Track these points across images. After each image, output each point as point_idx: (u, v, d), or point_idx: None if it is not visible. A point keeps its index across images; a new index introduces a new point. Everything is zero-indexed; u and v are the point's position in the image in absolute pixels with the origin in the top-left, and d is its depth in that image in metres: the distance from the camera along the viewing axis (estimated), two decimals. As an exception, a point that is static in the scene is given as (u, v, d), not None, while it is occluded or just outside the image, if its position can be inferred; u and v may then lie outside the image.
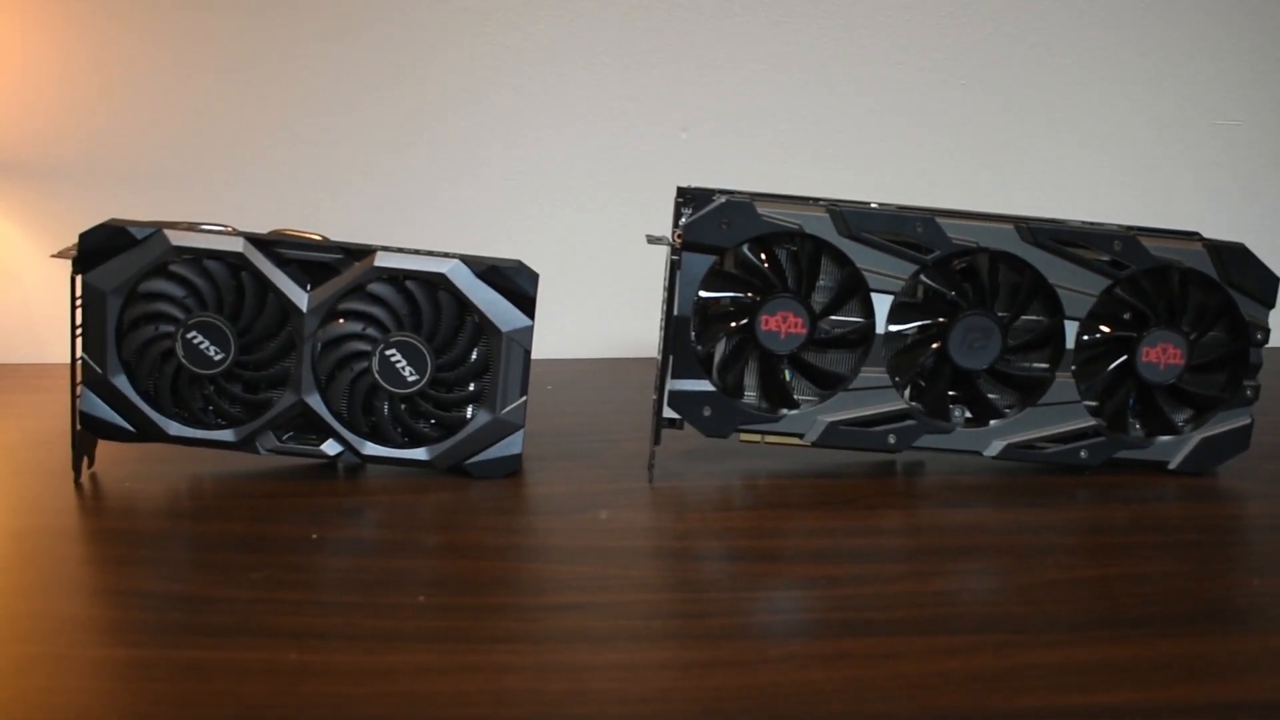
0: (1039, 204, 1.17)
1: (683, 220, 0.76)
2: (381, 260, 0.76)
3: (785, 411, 0.79)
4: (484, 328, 0.78)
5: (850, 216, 0.76)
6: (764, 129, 1.29)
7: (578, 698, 0.49)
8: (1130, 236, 0.78)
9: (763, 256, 0.78)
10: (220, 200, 1.24)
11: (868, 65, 1.29)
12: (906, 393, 0.81)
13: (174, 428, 0.78)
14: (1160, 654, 0.54)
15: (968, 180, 1.32)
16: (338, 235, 0.79)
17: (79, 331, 0.77)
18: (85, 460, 0.79)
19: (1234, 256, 0.79)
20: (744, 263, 0.79)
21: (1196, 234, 0.80)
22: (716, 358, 0.80)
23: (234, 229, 0.77)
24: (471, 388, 0.80)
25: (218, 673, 0.51)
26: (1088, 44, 1.31)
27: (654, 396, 0.79)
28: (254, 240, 0.76)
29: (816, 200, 0.78)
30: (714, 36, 1.26)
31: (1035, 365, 0.81)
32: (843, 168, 1.30)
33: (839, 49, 1.28)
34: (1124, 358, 0.81)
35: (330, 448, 0.79)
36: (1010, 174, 1.33)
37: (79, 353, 0.77)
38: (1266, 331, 0.81)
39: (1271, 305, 0.80)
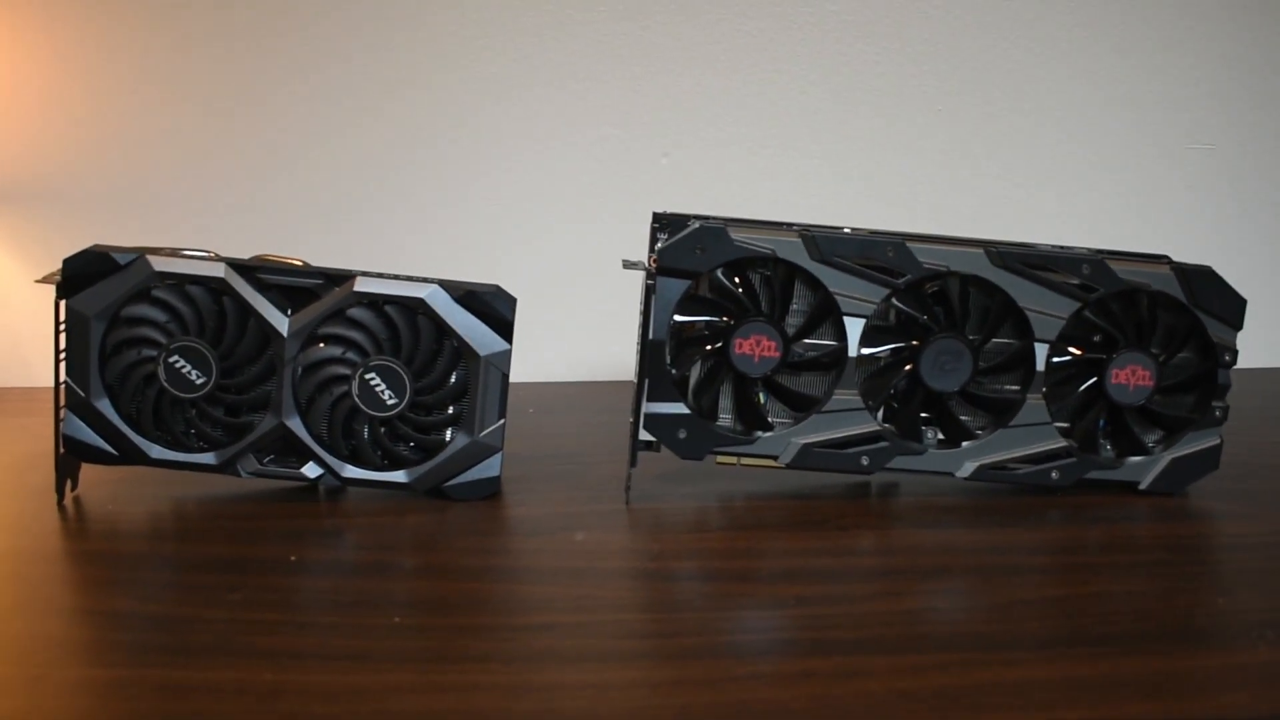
0: (1009, 227, 1.19)
1: (658, 245, 0.77)
2: (361, 285, 0.77)
3: (759, 434, 0.80)
4: (462, 351, 0.79)
5: (822, 241, 0.78)
6: (744, 154, 1.30)
7: (547, 716, 0.50)
8: (1099, 260, 0.80)
9: (736, 281, 0.79)
10: (203, 225, 1.25)
11: (846, 92, 1.30)
12: (879, 415, 0.81)
13: (156, 451, 0.79)
14: (1122, 672, 0.55)
15: (941, 204, 1.33)
16: (318, 260, 0.80)
17: (62, 356, 0.77)
18: (68, 483, 0.80)
19: (1201, 280, 0.80)
20: (718, 287, 0.80)
21: (1165, 257, 0.81)
22: (692, 381, 0.81)
23: (216, 254, 0.78)
24: (450, 411, 0.80)
25: (194, 692, 0.52)
26: (1061, 69, 1.33)
27: (630, 419, 0.80)
28: (235, 265, 0.77)
29: (790, 225, 0.79)
30: (696, 63, 1.27)
31: (1006, 387, 0.82)
32: (820, 192, 1.31)
33: (817, 77, 1.29)
34: (1094, 379, 0.82)
35: (311, 470, 0.80)
36: (983, 198, 1.34)
37: (62, 377, 0.78)
38: (1234, 353, 0.82)
39: (1239, 327, 0.81)
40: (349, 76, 1.25)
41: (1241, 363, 0.83)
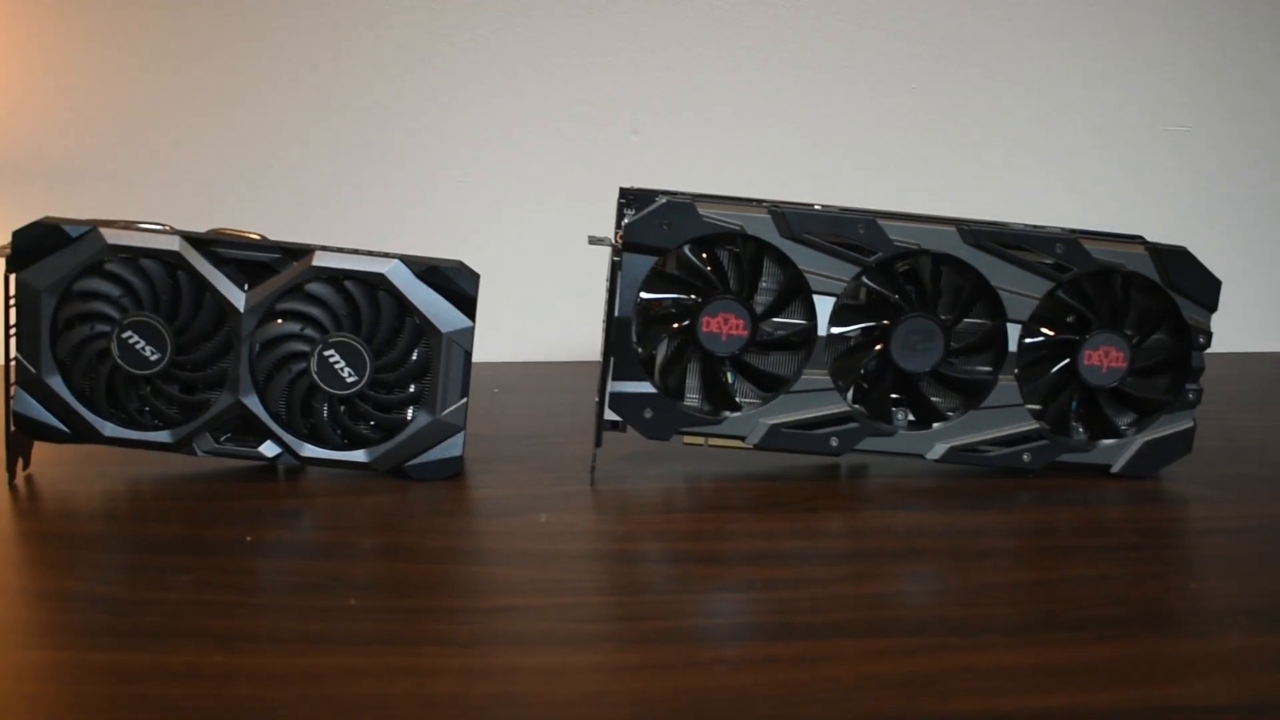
0: (985, 206, 1.18)
1: (624, 221, 0.76)
2: (320, 260, 0.75)
3: (727, 414, 0.79)
4: (424, 329, 0.77)
5: (792, 218, 0.76)
6: (715, 132, 1.29)
7: (504, 701, 0.49)
8: (1072, 239, 0.79)
9: (704, 257, 0.78)
10: (158, 199, 1.23)
11: (814, 70, 1.29)
12: (849, 395, 0.80)
13: (110, 429, 0.77)
14: (1094, 657, 0.54)
15: (913, 182, 1.32)
16: (276, 234, 0.78)
17: (13, 331, 0.75)
18: (20, 462, 0.78)
19: (1176, 260, 0.80)
20: (685, 264, 0.78)
21: (1139, 237, 0.80)
22: (658, 359, 0.80)
23: (171, 228, 0.76)
24: (411, 389, 0.79)
25: (142, 676, 0.50)
26: (1035, 49, 1.32)
27: (596, 399, 0.78)
28: (191, 239, 0.75)
29: (759, 201, 0.78)
30: (666, 38, 1.26)
31: (978, 368, 0.81)
32: (789, 171, 1.30)
33: (788, 54, 1.28)
34: (1066, 361, 0.81)
35: (269, 449, 0.78)
36: (956, 177, 1.33)
37: (13, 353, 0.76)
38: (1209, 335, 0.81)
39: (1213, 309, 0.81)
40: (311, 50, 1.23)
41: (1216, 346, 0.82)
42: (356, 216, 1.27)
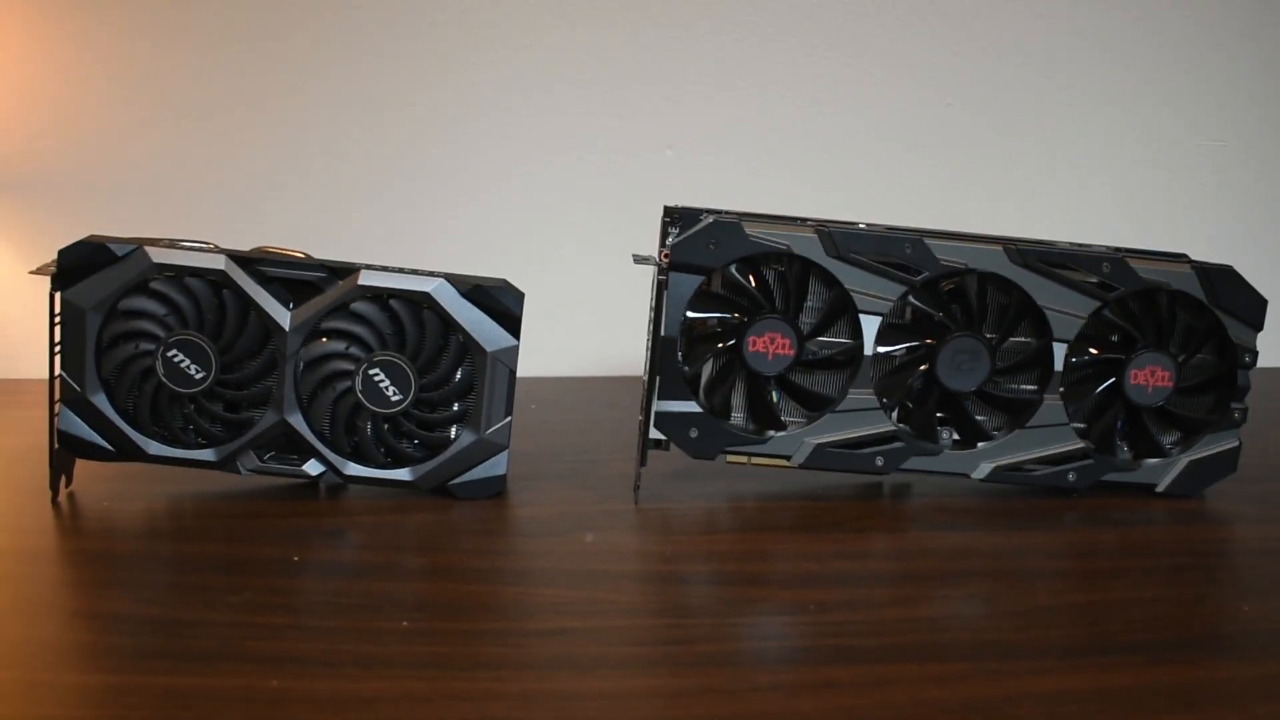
0: (1029, 223, 1.17)
1: (670, 240, 0.76)
2: (365, 279, 0.75)
3: (772, 433, 0.79)
4: (469, 347, 0.77)
5: (838, 237, 0.76)
6: (750, 147, 1.28)
7: (563, 727, 0.49)
8: (1118, 258, 0.78)
9: (750, 277, 0.78)
10: (203, 216, 1.24)
11: (855, 84, 1.29)
12: (894, 414, 0.80)
13: (154, 447, 0.77)
14: (1152, 681, 0.54)
15: (956, 199, 1.32)
16: (321, 253, 0.78)
17: (57, 349, 0.75)
18: (63, 479, 0.78)
19: (1222, 279, 0.79)
20: (731, 283, 0.78)
21: (1185, 256, 0.80)
22: (703, 379, 0.79)
23: (216, 246, 0.76)
24: (456, 408, 0.79)
25: (196, 700, 0.50)
26: (1076, 64, 1.32)
27: (640, 417, 0.78)
28: (236, 258, 0.75)
29: (804, 220, 0.77)
30: (701, 55, 1.26)
31: (1023, 387, 0.81)
32: (830, 186, 1.30)
33: (826, 68, 1.28)
34: (1112, 380, 0.81)
35: (312, 468, 0.78)
36: (999, 193, 1.33)
37: (57, 370, 0.76)
38: (1254, 354, 0.80)
39: (1259, 328, 0.80)
40: (355, 68, 1.23)
41: (1263, 361, 0.81)
42: (393, 234, 1.27)
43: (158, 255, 0.75)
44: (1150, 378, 0.80)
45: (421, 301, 0.76)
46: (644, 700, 0.52)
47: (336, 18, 1.22)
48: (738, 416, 0.80)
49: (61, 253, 0.74)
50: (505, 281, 0.77)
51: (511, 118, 1.26)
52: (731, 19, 1.26)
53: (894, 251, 0.77)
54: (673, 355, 0.77)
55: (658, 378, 0.77)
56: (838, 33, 1.27)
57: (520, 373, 0.79)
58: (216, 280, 0.76)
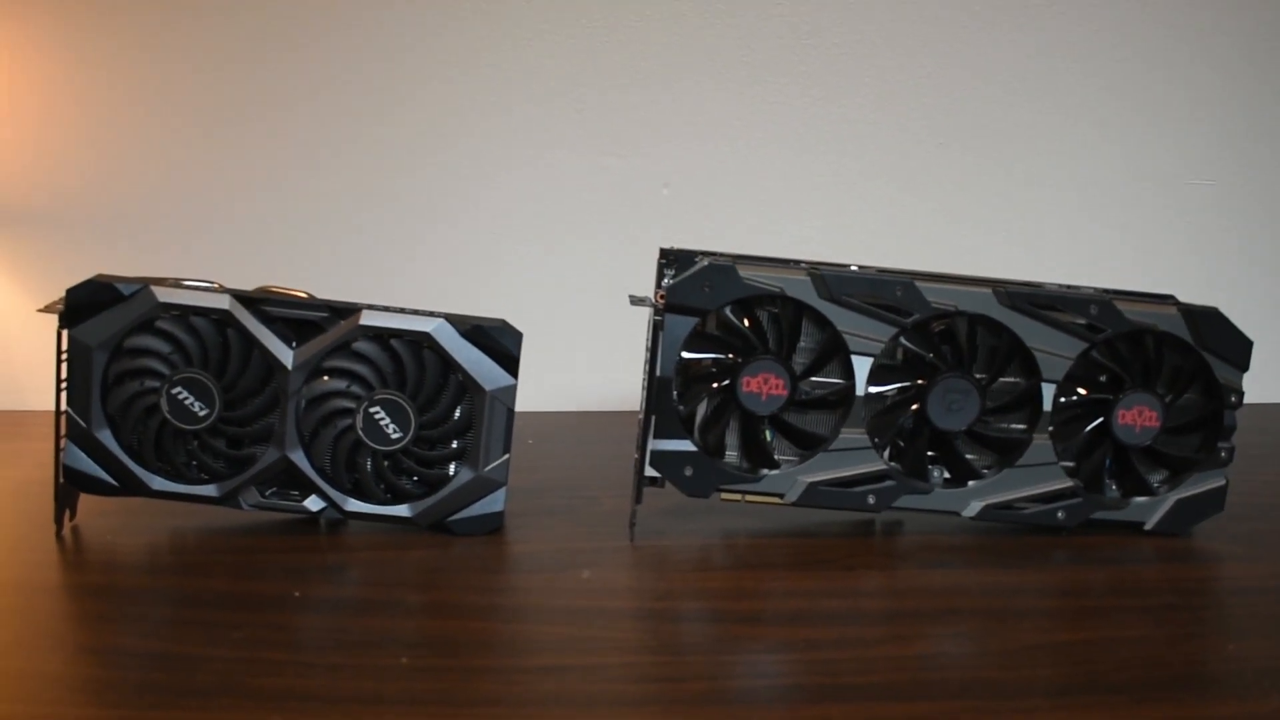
0: (1016, 262, 1.19)
1: (665, 282, 0.77)
2: (367, 319, 0.76)
3: (766, 471, 0.80)
4: (468, 386, 0.78)
5: (831, 280, 0.77)
6: (745, 186, 1.30)
7: (560, 764, 0.50)
8: (1106, 300, 0.80)
9: (744, 318, 0.79)
10: (206, 255, 1.25)
11: (847, 125, 1.30)
12: (886, 453, 0.81)
13: (157, 482, 0.78)
14: (1138, 720, 0.55)
15: (945, 240, 1.33)
16: (317, 287, 0.79)
17: (64, 385, 0.77)
18: (67, 513, 0.79)
19: (1208, 321, 0.81)
20: (726, 324, 0.79)
21: (1171, 297, 0.81)
22: (698, 418, 0.81)
23: (220, 285, 0.77)
24: (454, 445, 0.80)
25: (200, 736, 0.51)
26: (1066, 104, 1.33)
27: (636, 456, 0.79)
28: (240, 297, 0.77)
29: (798, 263, 0.79)
30: (698, 94, 1.27)
31: (1013, 426, 0.82)
32: (822, 226, 1.31)
33: (819, 108, 1.29)
34: (1100, 420, 0.82)
35: (313, 504, 0.79)
36: (988, 233, 1.34)
37: (63, 406, 0.77)
38: (1240, 394, 0.82)
39: (1245, 369, 0.82)
40: (353, 105, 1.24)
41: (1248, 398, 0.83)
42: (391, 269, 1.28)
43: (163, 294, 0.76)
44: (1138, 417, 0.81)
45: (422, 341, 0.77)
46: (638, 738, 0.53)
47: (333, 54, 1.23)
48: (732, 455, 0.81)
49: (69, 291, 0.75)
50: (504, 322, 0.78)
51: (512, 155, 1.27)
52: (726, 59, 1.27)
53: (885, 294, 0.78)
54: (668, 395, 0.78)
55: (653, 417, 0.78)
56: (830, 75, 1.29)
57: (518, 407, 0.80)
58: (221, 319, 0.77)
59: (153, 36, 1.22)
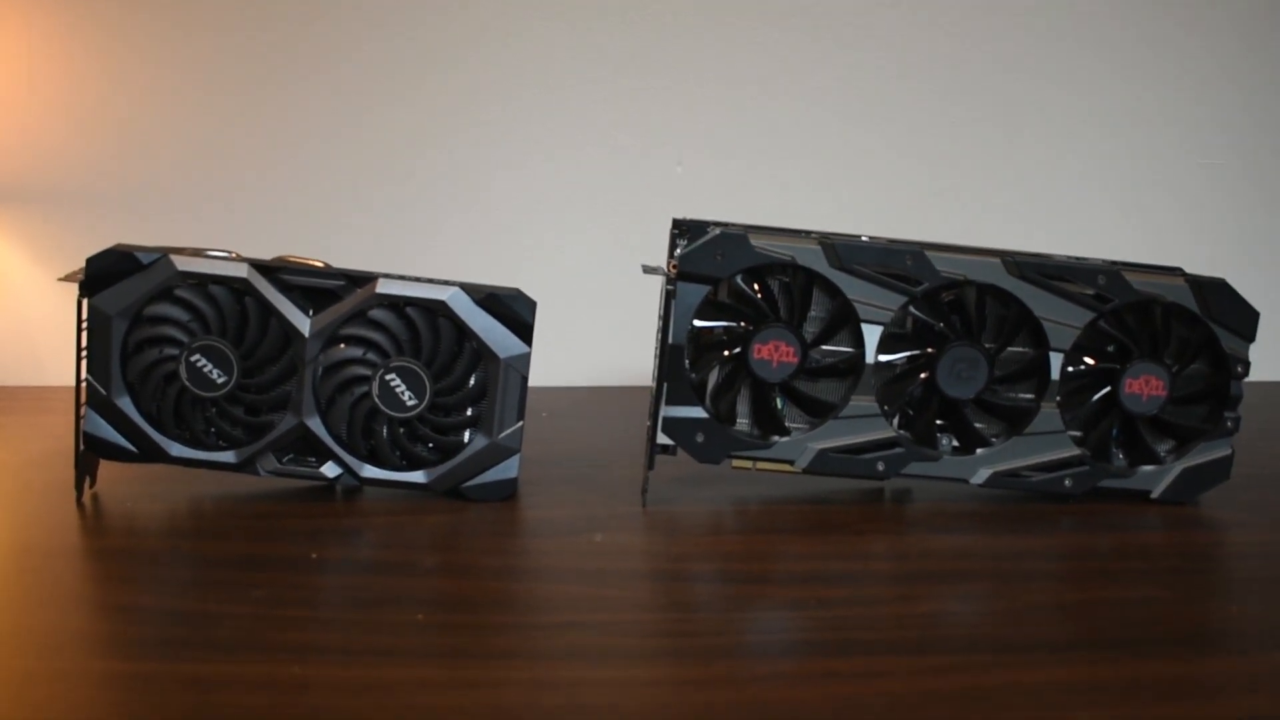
0: (1029, 235, 1.19)
1: (678, 251, 0.78)
2: (383, 287, 0.77)
3: (776, 439, 0.81)
4: (482, 354, 0.79)
5: (841, 249, 0.78)
6: (759, 161, 1.30)
7: (573, 711, 0.51)
8: (1114, 271, 0.80)
9: (756, 287, 0.80)
10: (224, 225, 1.26)
11: (862, 100, 1.31)
12: (895, 421, 0.82)
13: (176, 449, 0.80)
14: (1139, 674, 0.55)
15: (957, 212, 1.34)
16: (335, 261, 0.80)
17: (84, 354, 0.78)
18: (87, 480, 0.80)
19: (1215, 291, 0.81)
20: (737, 293, 0.80)
21: (1179, 269, 0.82)
22: (710, 385, 0.82)
23: (238, 255, 0.78)
24: (469, 412, 0.81)
25: (220, 686, 0.52)
26: (1078, 83, 1.34)
27: (648, 423, 0.80)
28: (258, 266, 0.78)
29: (809, 233, 0.80)
30: (710, 70, 1.28)
31: (1021, 395, 0.83)
32: (835, 199, 1.32)
33: (834, 83, 1.30)
34: (1107, 389, 0.83)
35: (330, 470, 0.80)
36: (1000, 207, 1.35)
37: (84, 374, 0.78)
38: (1247, 364, 0.82)
39: (1251, 339, 0.82)
40: (370, 79, 1.25)
41: (1252, 376, 0.83)
42: (406, 242, 1.29)
43: (182, 263, 0.77)
44: (1145, 387, 0.82)
45: (437, 309, 0.78)
46: (650, 688, 0.54)
47: (349, 29, 1.24)
48: (743, 422, 0.82)
49: (89, 260, 0.76)
50: (518, 290, 0.79)
51: (526, 130, 1.28)
52: (744, 38, 1.28)
53: (895, 263, 0.79)
54: (680, 362, 0.79)
55: (665, 384, 0.79)
56: (846, 50, 1.29)
57: (532, 382, 0.81)
58: (239, 288, 0.78)
59: (175, 10, 1.23)
